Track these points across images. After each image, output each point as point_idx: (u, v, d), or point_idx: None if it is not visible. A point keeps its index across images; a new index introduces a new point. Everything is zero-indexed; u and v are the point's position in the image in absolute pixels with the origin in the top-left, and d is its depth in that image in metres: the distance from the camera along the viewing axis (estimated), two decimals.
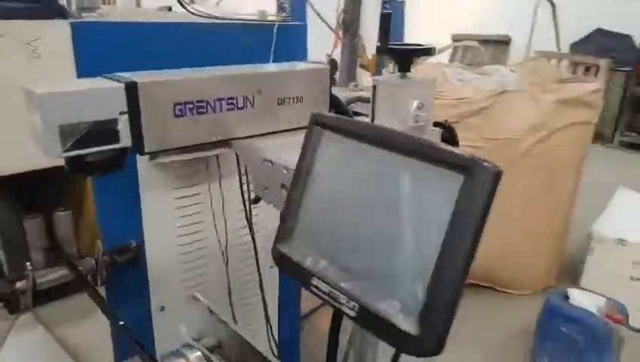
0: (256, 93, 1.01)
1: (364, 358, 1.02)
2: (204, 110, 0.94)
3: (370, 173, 0.66)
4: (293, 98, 1.08)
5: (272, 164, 0.96)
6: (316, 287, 0.68)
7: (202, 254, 1.63)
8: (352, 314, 0.64)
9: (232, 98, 0.98)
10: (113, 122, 0.82)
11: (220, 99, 0.96)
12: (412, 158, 0.62)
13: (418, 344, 0.58)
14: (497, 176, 0.56)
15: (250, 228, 1.58)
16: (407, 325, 0.59)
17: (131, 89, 0.83)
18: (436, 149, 0.60)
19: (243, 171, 1.41)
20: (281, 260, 0.75)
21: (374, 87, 0.98)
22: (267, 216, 1.65)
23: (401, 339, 0.59)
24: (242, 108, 1.00)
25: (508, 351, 2.63)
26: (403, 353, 0.58)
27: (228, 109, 0.98)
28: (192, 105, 0.92)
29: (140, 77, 0.85)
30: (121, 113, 0.83)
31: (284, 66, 1.12)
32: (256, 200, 1.07)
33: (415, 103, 0.95)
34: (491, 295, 3.05)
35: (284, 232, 0.75)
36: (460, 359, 2.36)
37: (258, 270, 1.67)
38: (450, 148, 0.60)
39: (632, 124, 6.26)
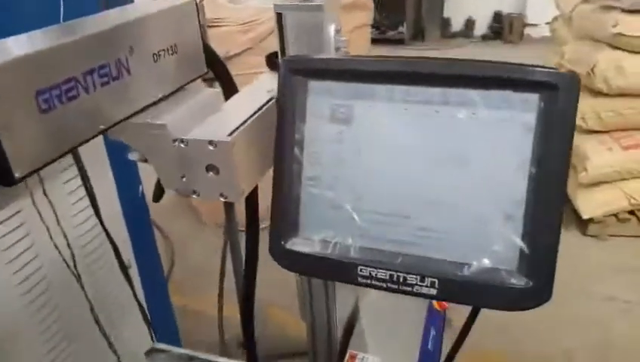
0: (129, 52, 0.73)
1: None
2: (75, 93, 0.63)
3: (403, 119, 0.52)
4: (168, 49, 0.82)
5: (185, 144, 0.73)
6: (369, 277, 0.54)
7: (47, 284, 1.25)
8: (433, 291, 0.52)
9: (103, 67, 0.68)
10: None
11: (89, 72, 0.66)
12: (463, 88, 0.50)
13: (531, 296, 0.50)
14: (579, 81, 0.48)
15: (105, 230, 1.25)
16: (512, 280, 0.50)
17: None
18: (493, 67, 0.49)
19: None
20: (295, 262, 0.57)
21: (280, 15, 0.80)
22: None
23: (510, 298, 0.51)
24: (117, 77, 0.71)
25: None
26: (513, 311, 0.50)
27: (102, 84, 0.68)
28: (58, 91, 0.61)
29: None
30: None
31: (139, 8, 0.83)
32: (160, 195, 0.82)
33: (333, 27, 0.81)
34: None
35: (285, 226, 0.57)
36: None
37: (125, 270, 1.37)
38: (509, 64, 0.50)
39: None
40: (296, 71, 0.54)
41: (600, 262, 2.82)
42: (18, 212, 1.13)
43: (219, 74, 1.08)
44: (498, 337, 2.00)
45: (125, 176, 1.47)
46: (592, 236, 2.94)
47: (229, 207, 2.01)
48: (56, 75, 0.60)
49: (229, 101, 0.91)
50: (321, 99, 0.54)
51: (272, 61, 1.02)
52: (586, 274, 2.71)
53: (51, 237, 1.20)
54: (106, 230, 1.24)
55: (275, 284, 2.47)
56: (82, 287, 1.30)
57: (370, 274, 0.53)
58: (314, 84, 0.54)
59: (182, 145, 0.71)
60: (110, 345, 1.42)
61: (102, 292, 1.44)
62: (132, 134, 0.74)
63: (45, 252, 1.21)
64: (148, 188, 1.64)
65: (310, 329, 1.08)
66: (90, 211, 1.35)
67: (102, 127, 0.69)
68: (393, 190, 0.53)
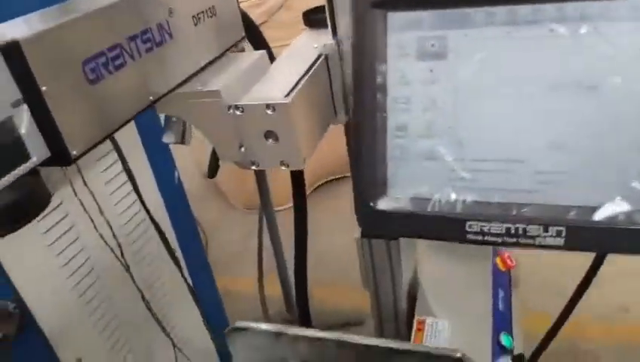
0: (169, 15, 0.66)
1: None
2: (122, 61, 0.57)
3: (508, 46, 0.44)
4: (206, 12, 0.75)
5: (241, 110, 0.66)
6: (480, 233, 0.47)
7: (97, 275, 1.22)
8: (559, 242, 0.46)
9: (145, 32, 0.62)
10: (7, 125, 0.43)
11: (132, 38, 0.59)
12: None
13: None
14: None
15: (151, 217, 1.20)
16: None
17: (14, 55, 0.43)
18: None
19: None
20: (386, 224, 0.51)
21: None
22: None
23: None
24: (160, 42, 0.65)
25: None
26: None
27: (146, 50, 0.62)
28: (104, 59, 0.55)
29: (10, 31, 0.45)
30: (15, 105, 0.44)
31: None
32: (215, 169, 0.76)
33: None
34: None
35: (372, 185, 0.50)
36: None
37: (174, 256, 1.33)
38: None
39: None
40: (373, 3, 0.47)
41: None
42: (60, 203, 1.09)
43: (254, 38, 1.01)
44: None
45: (160, 163, 1.42)
46: None
47: (262, 184, 1.96)
48: (100, 43, 0.54)
49: (274, 64, 0.83)
50: (406, 33, 0.47)
51: (310, 18, 0.95)
52: None
53: (96, 228, 1.15)
54: (151, 217, 1.19)
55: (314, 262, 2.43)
56: (131, 276, 1.27)
57: (481, 229, 0.47)
58: (396, 16, 0.46)
59: (237, 112, 0.65)
60: (164, 329, 1.39)
61: (150, 280, 1.41)
62: (182, 105, 0.67)
63: (91, 243, 1.18)
64: (183, 173, 1.59)
65: (374, 297, 1.02)
66: (130, 199, 1.31)
67: (151, 98, 0.63)
68: (501, 132, 0.46)
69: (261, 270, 2.20)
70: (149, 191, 1.37)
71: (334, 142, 0.93)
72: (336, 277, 2.61)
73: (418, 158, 0.48)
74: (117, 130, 0.57)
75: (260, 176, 1.92)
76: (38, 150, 0.46)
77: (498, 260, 1.15)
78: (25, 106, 0.44)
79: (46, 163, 0.48)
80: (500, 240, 0.47)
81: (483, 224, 0.46)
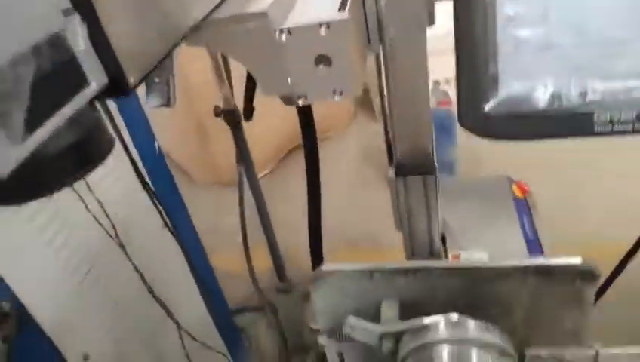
0: None
1: None
2: None
3: None
4: None
5: (289, 33, 0.58)
6: (608, 123, 0.42)
7: (92, 261, 1.10)
8: None
9: None
10: (60, 40, 0.33)
11: None
12: None
13: None
14: None
15: (148, 189, 1.10)
16: None
17: None
18: None
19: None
20: (499, 127, 0.45)
21: None
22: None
23: None
24: None
25: None
26: None
27: None
28: None
29: None
30: (66, 13, 0.34)
31: None
32: (251, 111, 0.68)
33: None
34: None
35: (481, 85, 0.44)
36: None
37: (172, 230, 1.23)
38: None
39: None
40: None
41: None
42: None
43: None
44: None
45: (140, 134, 1.29)
46: None
47: (243, 149, 1.86)
48: None
49: None
50: None
51: None
52: None
53: (87, 208, 1.03)
54: (148, 190, 1.09)
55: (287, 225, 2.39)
56: (128, 257, 1.16)
57: (610, 119, 0.42)
58: None
59: (285, 37, 0.56)
60: (164, 307, 1.30)
61: (146, 259, 1.30)
62: (221, 33, 0.58)
63: (83, 225, 1.06)
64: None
65: (409, 238, 0.98)
66: (117, 174, 1.19)
67: (200, 15, 0.53)
68: (629, 11, 0.41)
69: (246, 242, 2.12)
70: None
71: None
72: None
73: (533, 49, 0.43)
74: (163, 58, 0.47)
75: (240, 140, 1.82)
76: (95, 74, 0.36)
77: (515, 188, 1.13)
78: (77, 16, 0.34)
79: (101, 94, 0.39)
80: (629, 127, 0.42)
81: (613, 112, 0.42)
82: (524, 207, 1.11)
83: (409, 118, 0.66)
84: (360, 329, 0.53)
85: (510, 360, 0.47)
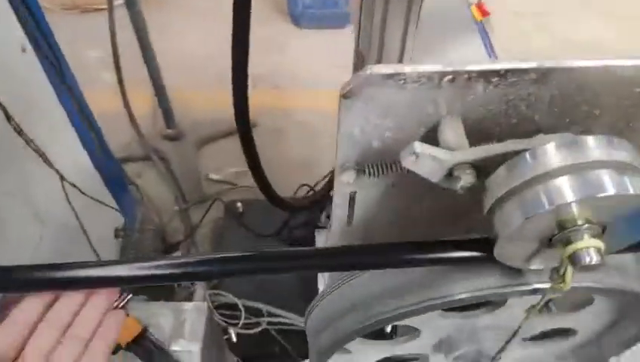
0: None
1: None
2: None
3: None
4: None
5: None
6: None
7: None
8: None
9: None
10: None
11: None
12: None
13: None
14: None
15: None
16: None
17: None
18: None
19: None
20: None
21: None
22: None
23: None
24: None
25: None
26: None
27: None
28: None
29: None
30: None
31: None
32: None
33: None
34: None
35: None
36: None
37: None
38: None
39: None
40: None
41: None
42: None
43: None
44: None
45: None
46: None
47: None
48: None
49: None
50: None
51: None
52: None
53: None
54: None
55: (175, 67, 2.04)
56: None
57: None
58: None
59: None
60: (42, 155, 1.02)
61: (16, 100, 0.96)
62: None
63: None
64: None
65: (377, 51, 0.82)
66: None
67: None
68: None
69: (121, 79, 1.77)
70: None
71: None
72: (208, 82, 2.28)
73: None
74: None
75: None
76: None
77: (473, 9, 0.99)
78: None
79: None
80: None
81: None
82: (482, 29, 0.98)
83: None
84: (427, 158, 0.36)
85: None
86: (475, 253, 0.39)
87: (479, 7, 0.99)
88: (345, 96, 0.37)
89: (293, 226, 1.67)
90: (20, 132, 0.93)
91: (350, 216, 0.52)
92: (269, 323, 1.44)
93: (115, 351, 0.83)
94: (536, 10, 2.67)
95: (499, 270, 0.42)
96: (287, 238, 1.66)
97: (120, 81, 1.74)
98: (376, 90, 0.37)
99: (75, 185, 1.11)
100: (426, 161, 0.37)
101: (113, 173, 1.48)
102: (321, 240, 1.63)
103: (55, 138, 1.13)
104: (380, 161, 0.42)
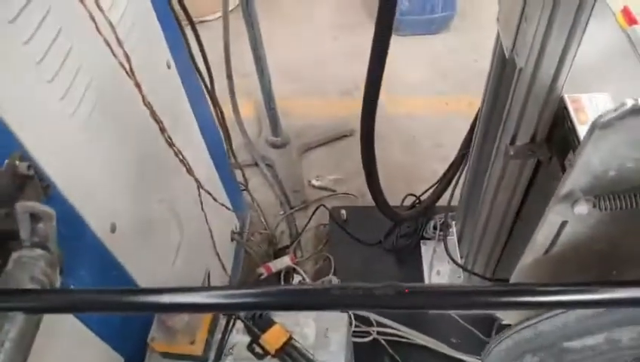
0: None
1: None
2: None
3: None
4: None
5: None
6: None
7: (103, 103, 0.83)
8: None
9: None
10: None
11: None
12: None
13: None
14: None
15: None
16: None
17: None
18: None
19: None
20: None
21: None
22: None
23: None
24: None
25: None
26: None
27: None
28: None
29: None
30: None
31: None
32: None
33: None
34: None
35: None
36: None
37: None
38: None
39: None
40: None
41: None
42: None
43: None
44: None
45: None
46: None
47: None
48: None
49: None
50: None
51: None
52: None
53: (98, 29, 0.73)
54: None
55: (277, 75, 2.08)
56: (148, 106, 0.89)
57: None
58: None
59: None
60: (185, 164, 1.08)
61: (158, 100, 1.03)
62: None
63: (93, 55, 0.77)
64: None
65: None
66: None
67: None
68: None
69: (233, 89, 1.84)
70: None
71: None
72: (307, 90, 2.33)
73: None
74: None
75: None
76: None
77: (619, 17, 0.94)
78: None
79: None
80: None
81: None
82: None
83: None
84: None
85: None
86: None
87: (625, 13, 0.93)
88: (602, 126, 0.37)
89: (398, 235, 1.66)
90: (171, 144, 0.99)
91: (552, 245, 0.50)
92: (378, 333, 1.44)
93: (262, 357, 0.87)
94: None
95: None
96: (392, 248, 1.66)
97: (231, 91, 1.81)
98: (634, 123, 0.36)
99: (209, 193, 1.17)
100: None
101: (230, 179, 1.54)
102: (428, 251, 1.61)
103: (189, 147, 1.20)
104: (618, 194, 0.41)
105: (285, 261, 1.60)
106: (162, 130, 0.97)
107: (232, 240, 1.53)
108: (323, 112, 2.22)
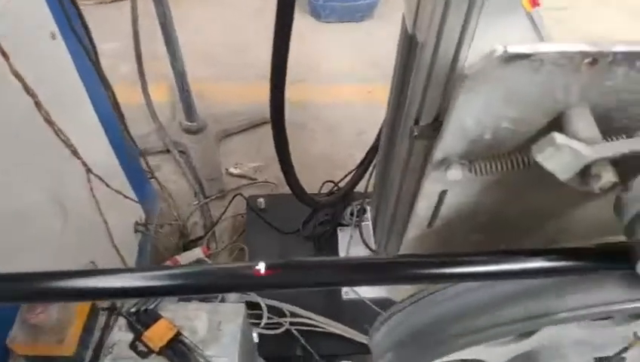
0: None
1: None
2: None
3: None
4: None
5: None
6: None
7: None
8: None
9: None
10: None
11: None
12: None
13: None
14: None
15: None
16: None
17: None
18: None
19: None
20: None
21: None
22: None
23: None
24: None
25: None
26: None
27: None
28: None
29: None
30: None
31: None
32: None
33: None
34: None
35: None
36: None
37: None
38: None
39: None
40: None
41: None
42: None
43: None
44: None
45: None
46: None
47: None
48: None
49: None
50: None
51: None
52: None
53: None
54: None
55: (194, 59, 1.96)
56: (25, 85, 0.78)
57: None
58: None
59: None
60: (70, 146, 0.97)
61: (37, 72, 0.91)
62: None
63: None
64: None
65: None
66: None
67: None
68: None
69: (142, 72, 1.72)
70: None
71: None
72: (228, 74, 2.23)
73: None
74: None
75: None
76: None
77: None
78: None
79: None
80: None
81: None
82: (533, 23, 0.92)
83: None
84: (566, 151, 0.31)
85: None
86: (608, 264, 0.34)
87: None
88: (470, 77, 0.32)
89: (316, 223, 1.62)
90: (49, 121, 0.88)
91: (434, 217, 0.46)
92: (291, 324, 1.39)
93: (146, 356, 0.79)
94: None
95: (626, 281, 0.37)
96: (310, 235, 1.61)
97: (141, 73, 1.69)
98: (507, 73, 0.32)
99: (100, 178, 1.06)
100: (564, 156, 0.32)
101: (134, 166, 1.43)
102: (345, 238, 1.58)
103: (80, 128, 1.08)
104: (492, 156, 0.37)
105: (196, 253, 1.51)
106: (37, 104, 0.86)
107: (136, 231, 1.42)
108: (244, 98, 2.13)
